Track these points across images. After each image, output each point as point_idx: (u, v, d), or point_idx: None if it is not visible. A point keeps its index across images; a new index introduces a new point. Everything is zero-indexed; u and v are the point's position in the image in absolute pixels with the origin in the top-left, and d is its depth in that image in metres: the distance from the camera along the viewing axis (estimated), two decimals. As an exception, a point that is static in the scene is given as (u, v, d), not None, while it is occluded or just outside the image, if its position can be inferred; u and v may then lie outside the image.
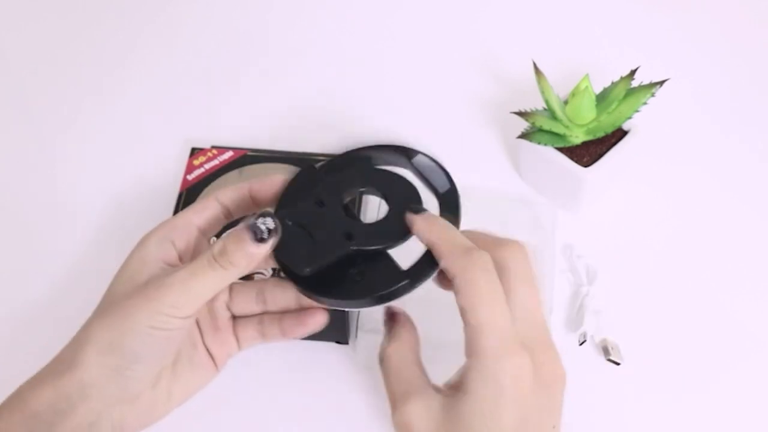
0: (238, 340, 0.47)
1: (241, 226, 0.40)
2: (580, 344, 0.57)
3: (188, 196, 0.62)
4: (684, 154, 0.68)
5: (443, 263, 0.40)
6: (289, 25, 0.81)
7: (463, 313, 0.38)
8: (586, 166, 0.60)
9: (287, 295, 0.46)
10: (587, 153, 0.61)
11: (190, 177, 0.63)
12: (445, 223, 0.42)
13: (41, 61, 0.78)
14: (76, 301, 0.61)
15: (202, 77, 0.77)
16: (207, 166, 0.64)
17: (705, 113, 0.72)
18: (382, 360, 0.42)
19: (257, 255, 0.40)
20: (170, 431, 0.46)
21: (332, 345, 0.58)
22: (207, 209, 0.45)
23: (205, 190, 0.63)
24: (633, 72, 0.60)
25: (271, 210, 0.43)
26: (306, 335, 0.47)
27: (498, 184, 0.67)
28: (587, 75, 0.59)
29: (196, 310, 0.40)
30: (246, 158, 0.64)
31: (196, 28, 0.81)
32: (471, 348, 0.38)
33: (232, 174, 0.63)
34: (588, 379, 0.55)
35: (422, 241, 0.41)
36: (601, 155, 0.60)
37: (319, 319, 0.46)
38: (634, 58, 0.62)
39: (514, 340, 0.37)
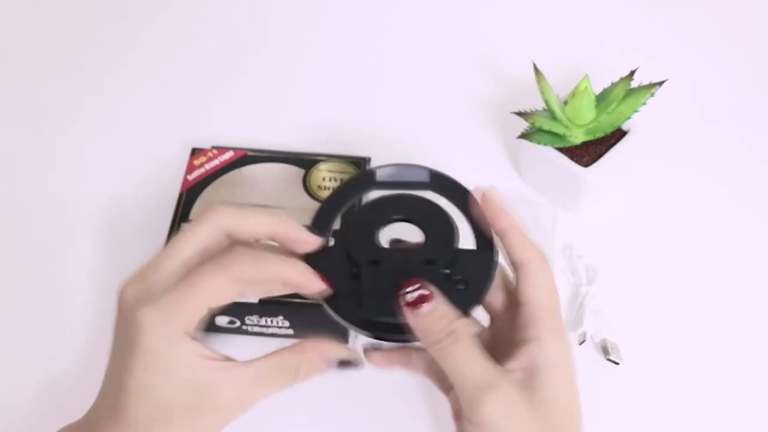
0: None
1: (327, 360, 0.41)
2: (580, 344, 0.57)
3: (188, 196, 0.62)
4: (683, 154, 0.68)
5: (519, 250, 0.42)
6: (289, 25, 0.81)
7: (532, 290, 0.41)
8: (585, 166, 0.60)
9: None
10: (587, 153, 0.61)
11: (190, 177, 0.63)
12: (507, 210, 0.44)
13: (41, 61, 0.78)
14: (76, 301, 0.61)
15: (202, 77, 0.77)
16: (207, 166, 0.64)
17: (704, 113, 0.72)
18: (439, 356, 0.40)
19: None
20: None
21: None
22: (226, 294, 0.39)
23: (204, 193, 0.62)
24: (632, 72, 0.60)
25: (356, 353, 0.42)
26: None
27: (498, 184, 0.67)
28: (587, 75, 0.59)
29: None
30: (246, 158, 0.64)
31: (196, 28, 0.81)
32: (537, 327, 0.41)
33: (233, 174, 0.64)
34: (587, 378, 0.55)
35: (495, 225, 0.43)
36: (600, 155, 0.60)
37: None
38: (634, 58, 0.62)
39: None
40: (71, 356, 0.58)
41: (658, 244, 0.63)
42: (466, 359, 0.39)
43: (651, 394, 0.55)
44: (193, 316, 0.38)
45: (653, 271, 0.61)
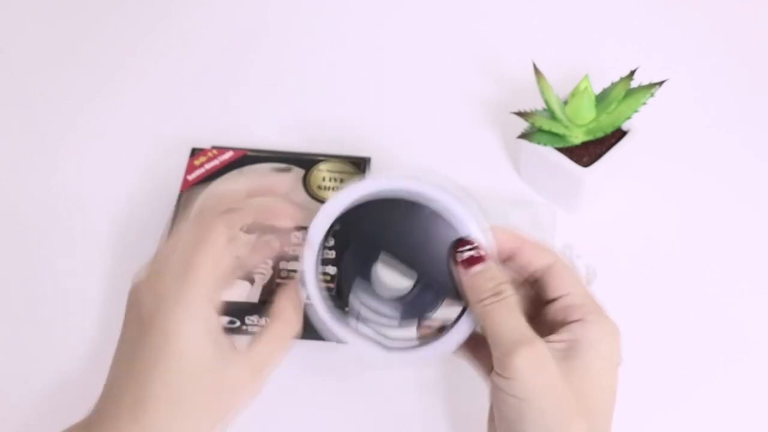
0: None
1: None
2: (580, 344, 0.57)
3: (188, 196, 0.62)
4: (683, 154, 0.68)
5: (537, 259, 0.43)
6: (289, 25, 0.81)
7: (565, 284, 0.43)
8: (585, 167, 0.60)
9: None
10: (587, 153, 0.61)
11: (190, 177, 0.63)
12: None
13: (42, 62, 0.79)
14: (77, 299, 0.61)
15: (202, 77, 0.77)
16: (207, 167, 0.64)
17: (704, 113, 0.72)
18: (482, 312, 0.41)
19: None
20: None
21: (332, 345, 0.58)
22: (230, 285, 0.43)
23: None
24: (632, 72, 0.60)
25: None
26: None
27: (498, 184, 0.67)
28: (587, 75, 0.59)
29: None
30: (246, 158, 0.64)
31: (197, 28, 0.81)
32: (583, 310, 0.42)
33: (232, 174, 0.64)
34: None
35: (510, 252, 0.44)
36: (600, 155, 0.60)
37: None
38: (634, 58, 0.62)
39: None
40: (72, 355, 0.58)
41: (657, 244, 0.63)
42: (506, 317, 0.40)
43: (650, 394, 0.55)
44: (208, 274, 0.39)
45: (653, 271, 0.61)
